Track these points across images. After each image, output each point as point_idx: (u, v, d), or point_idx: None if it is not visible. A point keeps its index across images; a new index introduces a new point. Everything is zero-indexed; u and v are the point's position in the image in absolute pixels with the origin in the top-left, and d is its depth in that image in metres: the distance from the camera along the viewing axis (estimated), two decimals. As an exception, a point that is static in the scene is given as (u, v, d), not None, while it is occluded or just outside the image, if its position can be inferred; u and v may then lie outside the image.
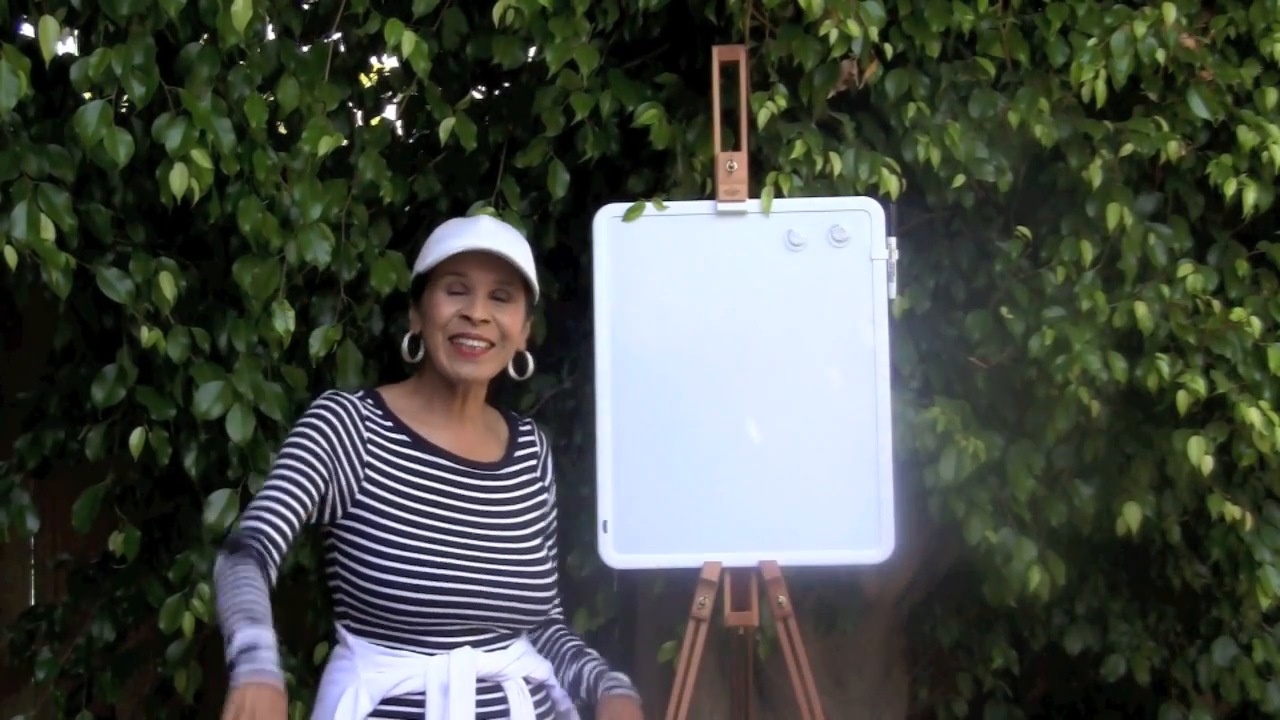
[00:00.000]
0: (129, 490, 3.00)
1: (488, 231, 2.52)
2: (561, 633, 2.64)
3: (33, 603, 4.15)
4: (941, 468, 2.97)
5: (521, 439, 2.64)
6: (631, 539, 2.81)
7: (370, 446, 2.44)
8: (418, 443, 2.49)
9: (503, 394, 2.84)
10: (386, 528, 2.41)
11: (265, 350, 2.81)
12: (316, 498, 2.39)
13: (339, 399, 2.47)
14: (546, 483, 2.64)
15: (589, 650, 2.61)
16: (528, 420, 2.69)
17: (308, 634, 3.17)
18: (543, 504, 2.61)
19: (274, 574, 2.31)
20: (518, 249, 2.52)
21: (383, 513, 2.42)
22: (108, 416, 2.85)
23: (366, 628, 2.42)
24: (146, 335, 2.67)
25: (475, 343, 2.47)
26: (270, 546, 2.31)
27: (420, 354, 2.53)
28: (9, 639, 3.28)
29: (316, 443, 2.41)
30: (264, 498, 2.36)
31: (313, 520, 2.41)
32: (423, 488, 2.46)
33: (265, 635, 2.16)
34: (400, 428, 2.49)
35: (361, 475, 2.43)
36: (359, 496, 2.42)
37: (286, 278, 2.78)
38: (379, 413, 2.49)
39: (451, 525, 2.44)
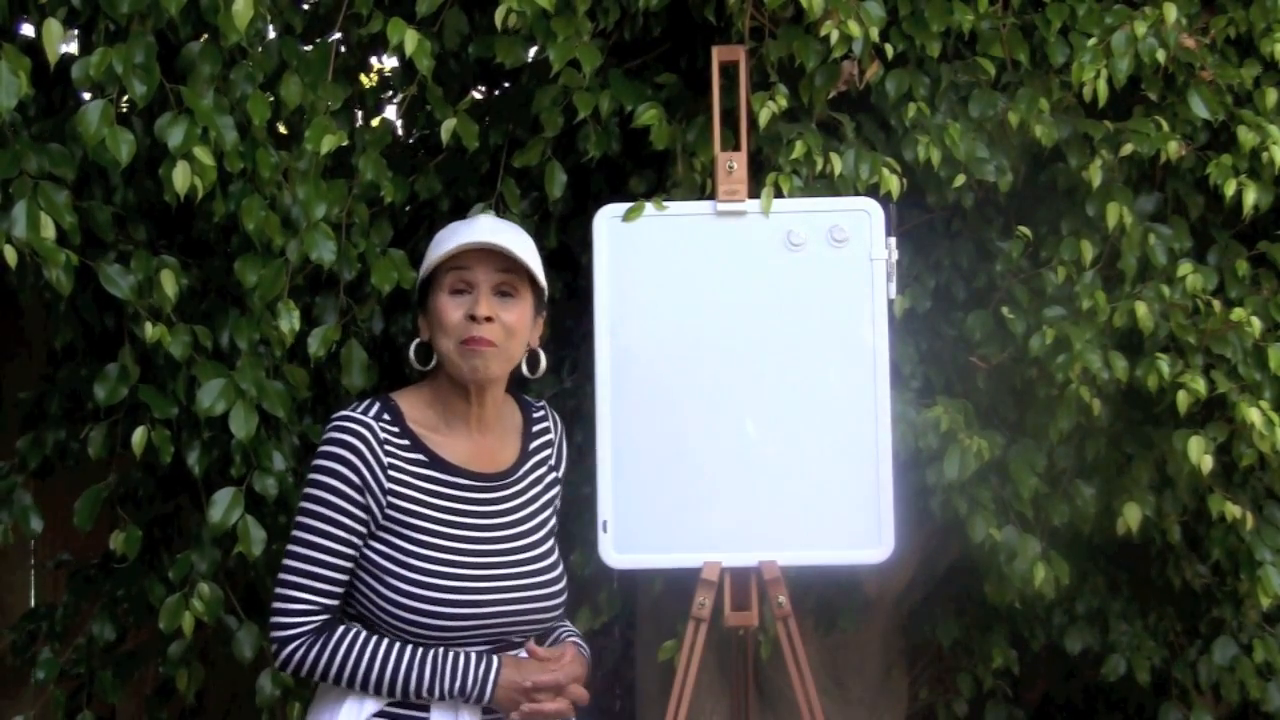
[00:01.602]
0: (131, 490, 3.00)
1: (488, 228, 2.49)
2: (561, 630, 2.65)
3: (33, 603, 4.15)
4: (946, 466, 2.97)
5: (536, 428, 2.61)
6: (631, 539, 2.81)
7: (391, 471, 2.41)
8: (435, 462, 2.46)
9: (520, 388, 2.83)
10: (407, 550, 2.39)
11: (267, 349, 2.81)
12: (355, 553, 2.40)
13: (356, 429, 2.41)
14: (560, 471, 2.63)
15: (578, 637, 2.63)
16: (541, 406, 2.65)
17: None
18: (554, 498, 2.60)
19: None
20: (519, 243, 2.49)
21: (404, 535, 2.40)
22: (109, 416, 2.85)
23: (380, 634, 2.42)
24: (150, 331, 2.67)
25: (481, 344, 2.45)
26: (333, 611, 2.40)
27: (432, 361, 2.51)
28: (10, 640, 3.28)
29: (342, 494, 2.38)
30: (306, 571, 2.38)
31: None
32: (441, 508, 2.44)
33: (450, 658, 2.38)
34: (417, 445, 2.45)
35: (384, 503, 2.41)
36: (382, 521, 2.41)
37: (289, 277, 2.78)
38: (395, 430, 2.44)
39: (468, 544, 2.43)
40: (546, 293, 2.56)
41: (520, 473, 2.54)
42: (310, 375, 2.90)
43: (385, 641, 2.37)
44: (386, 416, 2.45)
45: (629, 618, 3.52)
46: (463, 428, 2.50)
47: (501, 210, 3.01)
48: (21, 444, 2.97)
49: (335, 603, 2.40)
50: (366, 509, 2.39)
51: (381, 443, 2.41)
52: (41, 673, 3.04)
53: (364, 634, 2.37)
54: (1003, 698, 3.66)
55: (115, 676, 3.12)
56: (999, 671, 3.59)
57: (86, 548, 3.55)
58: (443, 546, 2.41)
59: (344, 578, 2.39)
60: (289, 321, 2.75)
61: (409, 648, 2.36)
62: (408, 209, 3.20)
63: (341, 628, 2.38)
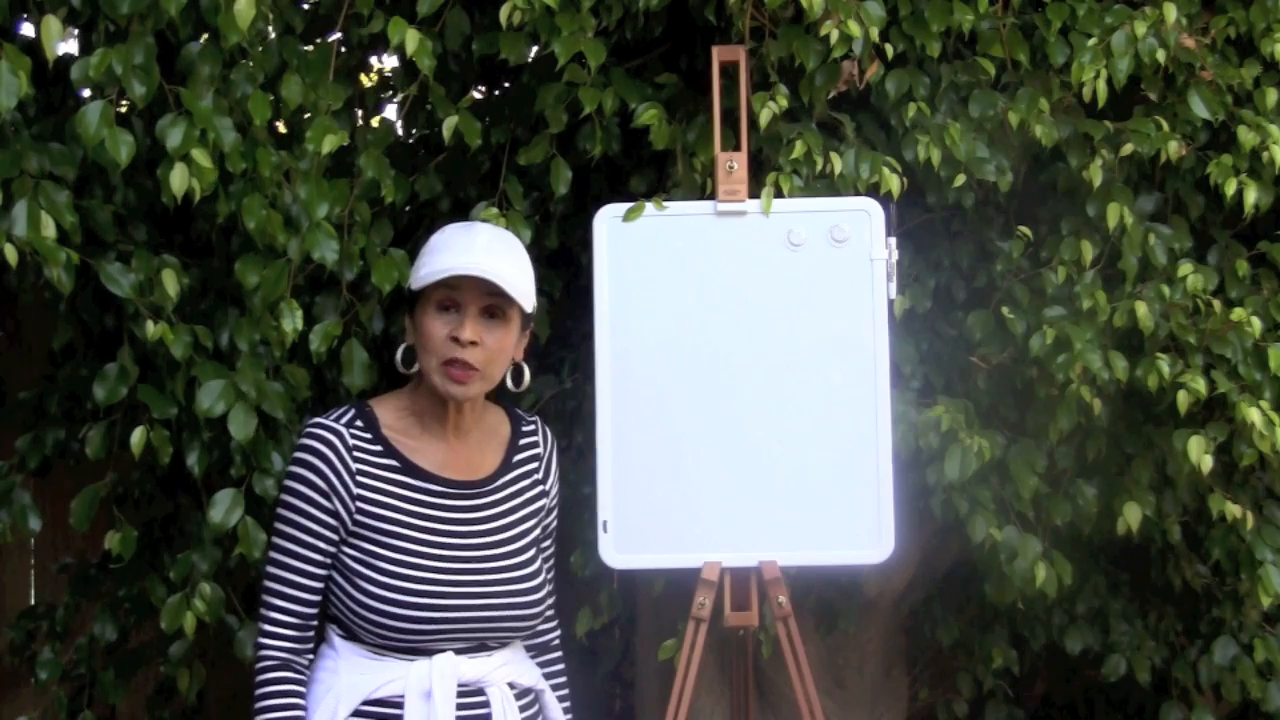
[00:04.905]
0: (129, 490, 3.00)
1: (482, 247, 2.47)
2: (551, 665, 2.67)
3: (33, 603, 4.14)
4: (947, 466, 2.96)
5: (523, 440, 2.62)
6: (631, 539, 2.81)
7: (360, 477, 2.44)
8: (407, 468, 2.47)
9: (503, 397, 2.84)
10: (378, 555, 2.42)
11: (267, 349, 2.81)
12: (327, 559, 2.44)
13: (324, 435, 2.45)
14: (547, 485, 2.63)
15: (562, 691, 2.66)
16: (532, 419, 2.68)
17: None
18: (539, 510, 2.60)
19: (307, 669, 2.46)
20: (512, 265, 2.48)
21: (374, 540, 2.43)
22: (108, 415, 2.85)
23: (354, 635, 2.43)
24: (151, 329, 2.67)
25: (463, 368, 2.44)
26: (300, 655, 2.44)
27: (416, 366, 2.51)
28: (9, 639, 3.28)
29: (311, 501, 2.43)
30: (282, 579, 2.43)
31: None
32: (412, 514, 2.45)
33: None
34: (390, 451, 2.47)
35: (354, 509, 2.43)
36: (352, 527, 2.43)
37: (290, 277, 2.78)
38: (368, 436, 2.47)
39: (440, 550, 2.45)
40: (533, 312, 2.56)
41: (499, 482, 2.55)
42: (310, 375, 2.90)
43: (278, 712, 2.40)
44: (359, 423, 2.47)
45: (629, 618, 3.52)
46: (440, 433, 2.51)
47: (505, 210, 3.01)
48: (20, 443, 2.97)
49: (311, 609, 2.44)
50: (335, 514, 2.42)
51: (351, 449, 2.44)
52: (44, 673, 3.04)
53: (276, 697, 2.40)
54: (1003, 698, 3.66)
55: (116, 677, 3.11)
56: (999, 671, 3.59)
57: (88, 547, 3.55)
58: (413, 551, 2.42)
59: (319, 584, 2.44)
60: (292, 322, 2.75)
61: None
62: (408, 209, 3.20)
63: (280, 676, 2.41)
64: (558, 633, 2.70)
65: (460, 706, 2.42)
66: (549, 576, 2.63)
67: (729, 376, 2.83)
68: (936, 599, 3.65)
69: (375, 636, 2.41)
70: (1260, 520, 3.14)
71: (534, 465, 2.61)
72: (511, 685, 2.49)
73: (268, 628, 2.42)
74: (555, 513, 2.67)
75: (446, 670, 2.41)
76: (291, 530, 2.43)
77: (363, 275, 2.92)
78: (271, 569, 2.44)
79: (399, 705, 2.40)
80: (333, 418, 2.48)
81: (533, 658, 2.61)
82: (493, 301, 2.46)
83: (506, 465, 2.57)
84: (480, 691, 2.45)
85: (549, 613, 2.65)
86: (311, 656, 2.46)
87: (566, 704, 2.65)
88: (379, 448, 2.47)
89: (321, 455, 2.43)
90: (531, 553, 2.54)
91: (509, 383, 2.56)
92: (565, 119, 2.99)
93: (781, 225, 2.86)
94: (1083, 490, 3.11)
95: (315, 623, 2.46)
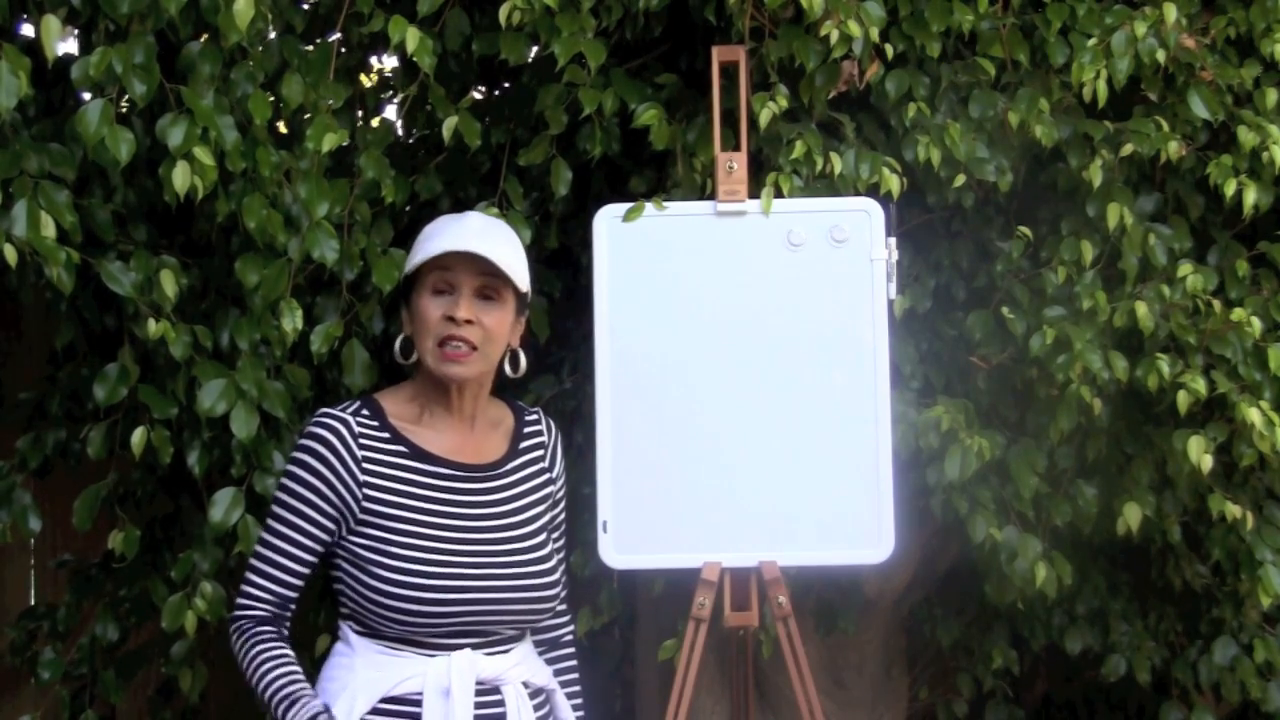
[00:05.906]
0: (130, 489, 3.00)
1: (474, 230, 2.49)
2: (562, 661, 2.67)
3: (33, 602, 4.15)
4: (947, 466, 2.97)
5: (528, 429, 2.62)
6: (631, 539, 2.81)
7: (366, 464, 2.43)
8: (416, 452, 2.47)
9: (503, 393, 2.84)
10: (389, 540, 2.41)
11: (268, 349, 2.81)
12: (319, 546, 2.43)
13: (330, 424, 2.44)
14: (554, 474, 2.63)
15: (574, 688, 2.65)
16: (534, 411, 2.67)
17: (310, 631, 3.18)
18: (547, 498, 2.60)
19: (287, 630, 2.45)
20: (505, 247, 2.49)
21: (385, 526, 2.42)
22: (109, 415, 2.85)
23: (371, 630, 2.43)
24: (152, 328, 2.67)
25: (459, 345, 2.45)
26: (279, 609, 2.43)
27: (414, 356, 2.52)
28: (10, 639, 3.28)
29: (312, 487, 2.42)
30: (266, 558, 2.43)
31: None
32: (423, 498, 2.45)
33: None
34: (397, 438, 2.47)
35: (360, 495, 2.42)
36: (361, 515, 2.43)
37: (291, 277, 2.78)
38: (374, 424, 2.46)
39: (453, 534, 2.44)
40: (529, 295, 2.56)
41: (508, 466, 2.55)
42: (311, 375, 2.90)
43: (262, 665, 2.39)
44: (365, 412, 2.47)
45: (629, 618, 3.52)
46: (445, 421, 2.51)
47: (505, 210, 3.01)
48: (21, 443, 2.97)
49: (291, 593, 2.43)
50: (336, 503, 2.41)
51: (356, 436, 2.44)
52: (46, 673, 3.05)
53: (258, 648, 2.40)
54: (1003, 698, 3.66)
55: (118, 676, 3.12)
56: (999, 671, 3.59)
57: (88, 547, 3.55)
58: (424, 535, 2.42)
59: (304, 569, 2.43)
60: (292, 321, 2.76)
61: (269, 675, 2.37)
62: (408, 209, 3.21)
63: (258, 633, 2.41)
64: (570, 629, 2.69)
65: (476, 705, 2.41)
66: (562, 568, 2.63)
67: (729, 376, 2.83)
68: (936, 599, 3.65)
69: (391, 627, 2.40)
70: (1260, 520, 3.14)
71: (539, 453, 2.61)
72: (525, 685, 2.49)
73: (242, 601, 2.41)
74: (563, 505, 2.66)
75: (465, 667, 2.41)
76: (286, 514, 2.42)
77: (363, 275, 2.92)
78: (258, 548, 2.43)
79: (417, 703, 2.39)
80: (339, 409, 2.48)
81: (544, 654, 2.61)
82: (487, 281, 2.46)
83: (514, 452, 2.57)
84: (496, 690, 2.44)
85: (561, 606, 2.65)
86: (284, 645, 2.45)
87: (578, 701, 2.65)
88: (386, 435, 2.46)
89: (327, 443, 2.43)
90: (543, 537, 2.54)
91: (507, 368, 2.56)
92: (565, 119, 2.99)
93: (781, 225, 2.86)
94: (1083, 490, 3.11)
95: (290, 613, 2.44)
